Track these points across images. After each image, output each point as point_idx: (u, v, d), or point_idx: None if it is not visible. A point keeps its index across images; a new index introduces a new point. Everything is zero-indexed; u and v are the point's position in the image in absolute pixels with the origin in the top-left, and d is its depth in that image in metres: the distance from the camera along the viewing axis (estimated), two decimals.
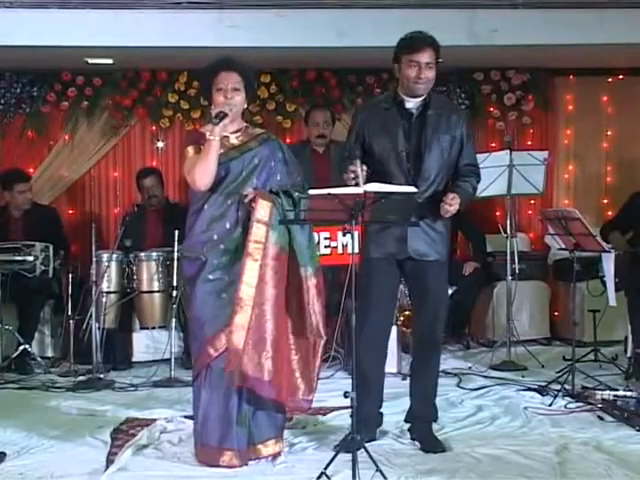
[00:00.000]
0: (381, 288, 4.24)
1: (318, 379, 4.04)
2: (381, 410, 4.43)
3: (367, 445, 3.81)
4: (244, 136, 4.15)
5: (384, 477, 3.63)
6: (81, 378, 5.87)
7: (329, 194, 3.57)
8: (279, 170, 4.12)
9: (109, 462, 4.05)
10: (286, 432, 4.26)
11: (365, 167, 3.95)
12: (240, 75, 4.07)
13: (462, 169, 4.29)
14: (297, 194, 3.99)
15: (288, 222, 3.94)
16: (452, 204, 4.11)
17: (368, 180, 3.84)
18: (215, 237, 3.99)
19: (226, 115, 3.94)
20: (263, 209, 3.91)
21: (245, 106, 4.15)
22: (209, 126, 3.98)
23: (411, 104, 4.23)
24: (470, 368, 6.14)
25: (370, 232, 4.25)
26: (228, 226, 4.00)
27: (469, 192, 4.27)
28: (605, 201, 7.70)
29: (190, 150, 4.06)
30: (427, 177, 4.18)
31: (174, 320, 5.98)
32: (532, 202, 7.71)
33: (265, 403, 4.02)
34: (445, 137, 4.22)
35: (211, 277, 3.98)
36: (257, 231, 3.89)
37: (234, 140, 4.12)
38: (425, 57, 4.14)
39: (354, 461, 3.52)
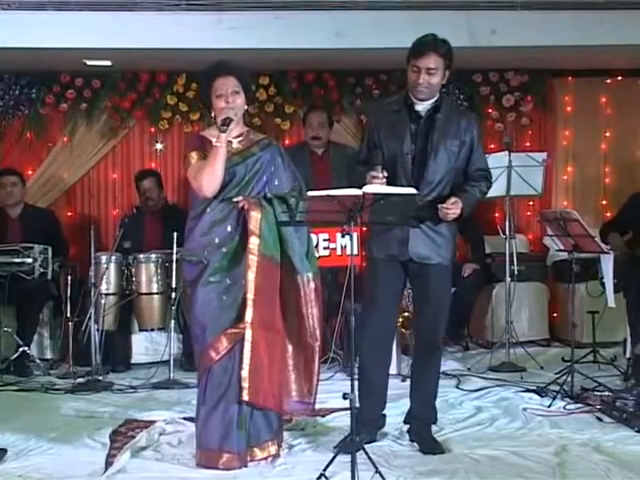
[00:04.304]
0: (385, 288, 4.21)
1: (319, 381, 4.05)
2: (384, 412, 4.42)
3: (366, 446, 3.82)
4: (246, 141, 4.15)
5: (383, 478, 3.63)
6: (80, 380, 5.86)
7: (328, 196, 3.58)
8: (278, 175, 4.12)
9: (108, 464, 4.05)
10: (285, 434, 4.27)
11: (385, 173, 3.95)
12: (237, 78, 4.07)
13: (473, 174, 4.23)
14: (293, 200, 4.01)
15: (286, 224, 3.95)
16: (451, 208, 4.06)
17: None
18: (216, 240, 4.00)
19: (232, 120, 3.95)
20: (254, 220, 3.92)
21: (245, 108, 4.16)
22: (215, 132, 3.98)
23: (421, 107, 4.18)
24: (469, 369, 6.14)
25: (372, 232, 4.24)
26: (229, 229, 4.01)
27: (476, 197, 4.20)
28: (604, 202, 7.69)
29: (194, 155, 4.05)
30: (431, 181, 4.12)
31: (173, 322, 5.98)
32: (531, 203, 7.71)
33: None
34: (454, 142, 4.15)
35: (212, 280, 3.98)
36: (252, 243, 3.91)
37: (236, 145, 4.12)
38: (427, 62, 4.06)
39: (353, 462, 3.53)
